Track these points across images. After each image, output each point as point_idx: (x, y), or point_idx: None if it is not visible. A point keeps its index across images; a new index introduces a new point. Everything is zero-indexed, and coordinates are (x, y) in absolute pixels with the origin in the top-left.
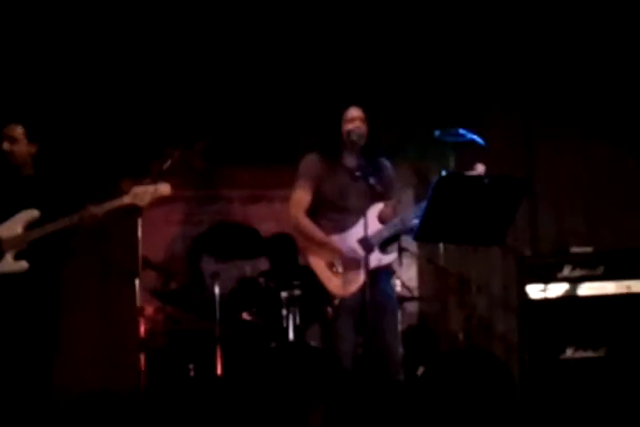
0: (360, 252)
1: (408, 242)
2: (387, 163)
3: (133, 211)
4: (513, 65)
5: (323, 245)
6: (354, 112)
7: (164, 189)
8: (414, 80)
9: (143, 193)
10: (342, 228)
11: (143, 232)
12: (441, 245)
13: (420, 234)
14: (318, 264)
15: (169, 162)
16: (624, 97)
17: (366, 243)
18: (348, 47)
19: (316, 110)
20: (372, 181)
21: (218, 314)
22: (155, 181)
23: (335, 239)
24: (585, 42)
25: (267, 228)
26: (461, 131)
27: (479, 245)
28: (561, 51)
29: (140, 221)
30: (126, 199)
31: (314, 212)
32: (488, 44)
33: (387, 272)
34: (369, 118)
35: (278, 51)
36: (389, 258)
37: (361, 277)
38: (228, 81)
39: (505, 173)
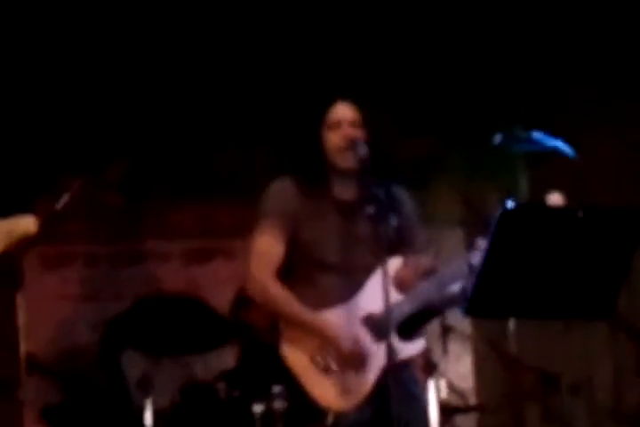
0: (366, 339)
1: (456, 318)
2: (402, 193)
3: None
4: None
5: (304, 329)
6: (340, 112)
7: (25, 225)
8: (453, 55)
9: None
10: (336, 299)
11: (26, 315)
12: (511, 323)
13: (474, 305)
14: (298, 359)
15: (66, 198)
16: None
17: (376, 324)
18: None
19: (289, 114)
20: (394, 221)
21: None
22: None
23: (326, 318)
24: None
25: (226, 300)
26: (538, 135)
27: (573, 320)
28: None
29: (19, 298)
30: None
31: (289, 272)
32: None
33: (406, 366)
34: (370, 120)
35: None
36: (414, 348)
37: (368, 381)
38: (157, 77)
39: (612, 202)
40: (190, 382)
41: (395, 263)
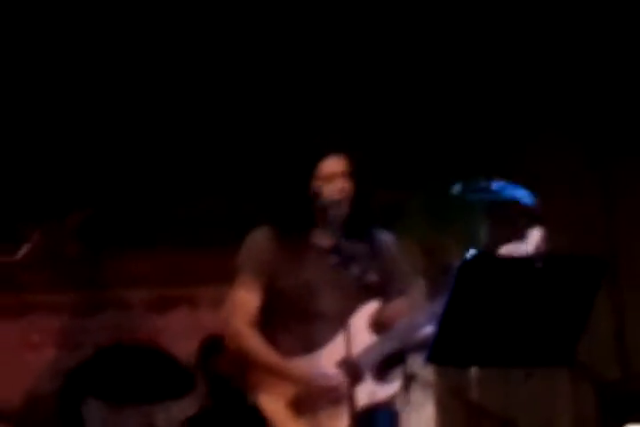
0: (340, 381)
1: (419, 366)
2: (386, 237)
3: None
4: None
5: (279, 376)
6: (334, 165)
7: None
8: (418, 107)
9: None
10: (313, 345)
11: None
12: (473, 370)
13: (436, 353)
14: (273, 406)
15: (25, 249)
16: None
17: (351, 366)
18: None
19: (265, 153)
20: (356, 269)
21: None
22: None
23: (301, 364)
24: None
25: (188, 349)
26: (497, 184)
27: (534, 368)
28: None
29: None
30: None
31: (267, 322)
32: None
33: (386, 413)
34: (356, 171)
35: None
36: (388, 390)
37: (342, 423)
38: (117, 125)
39: (571, 250)
40: None
41: (370, 307)
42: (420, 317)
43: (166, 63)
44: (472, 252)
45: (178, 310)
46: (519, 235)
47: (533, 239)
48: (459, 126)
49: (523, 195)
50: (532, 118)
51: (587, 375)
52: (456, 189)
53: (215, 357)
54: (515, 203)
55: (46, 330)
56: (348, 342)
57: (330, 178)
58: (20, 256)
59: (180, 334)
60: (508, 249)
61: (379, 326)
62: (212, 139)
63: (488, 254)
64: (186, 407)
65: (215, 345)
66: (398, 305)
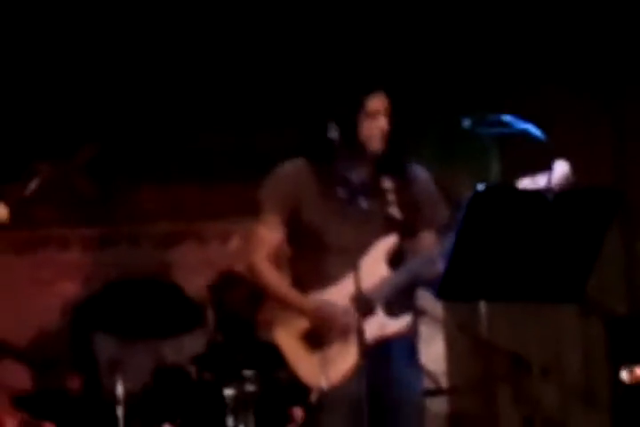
0: (351, 314)
1: (428, 301)
2: (420, 172)
3: None
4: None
5: (294, 309)
6: (378, 102)
7: None
8: (431, 43)
9: None
10: (334, 279)
11: None
12: (482, 306)
13: (445, 289)
14: (287, 339)
15: (35, 183)
16: None
17: (362, 300)
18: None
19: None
20: (365, 203)
21: None
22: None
23: (315, 298)
24: None
25: (197, 284)
26: (506, 118)
27: (544, 304)
28: None
29: None
30: None
31: (287, 255)
32: None
33: (403, 345)
34: (394, 107)
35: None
36: (399, 323)
37: (351, 357)
38: (128, 60)
39: (584, 183)
40: (161, 366)
41: (389, 241)
42: (435, 251)
43: None
44: (482, 185)
45: (187, 245)
46: (539, 168)
47: (558, 173)
48: (471, 61)
49: (533, 128)
50: (544, 60)
51: (596, 311)
52: (466, 122)
53: (226, 292)
54: (526, 136)
55: (57, 265)
56: (357, 277)
57: (374, 114)
58: (30, 191)
59: (188, 269)
60: (525, 183)
61: (395, 260)
62: (227, 71)
63: (498, 187)
64: (195, 342)
65: (227, 281)
66: (425, 240)
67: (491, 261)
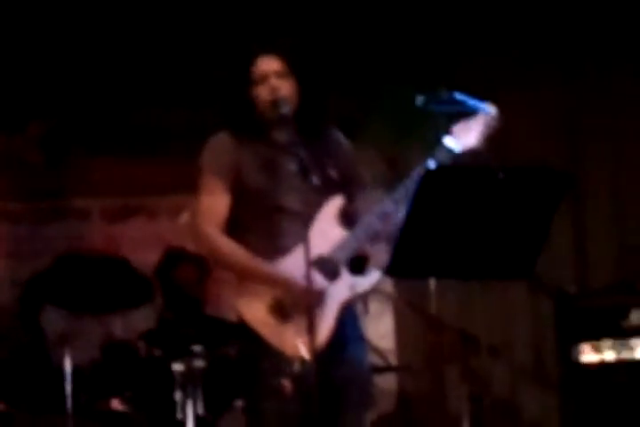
0: (319, 280)
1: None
2: (340, 137)
3: None
4: None
5: (259, 280)
6: (264, 66)
7: None
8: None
9: None
10: (289, 244)
11: None
12: (431, 283)
13: (395, 265)
14: (255, 312)
15: None
16: None
17: (325, 264)
18: None
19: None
20: (315, 177)
21: (70, 403)
22: None
23: (279, 266)
24: None
25: (147, 259)
26: (459, 95)
27: (493, 281)
28: None
29: None
30: None
31: (235, 225)
32: None
33: (348, 322)
34: (298, 68)
35: None
36: (367, 281)
37: (328, 321)
38: (78, 35)
39: (533, 163)
40: (110, 341)
41: (336, 202)
42: (387, 205)
43: None
44: (433, 162)
45: (136, 220)
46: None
47: (485, 116)
48: (422, 37)
49: (485, 107)
50: (496, 31)
51: (545, 289)
52: (419, 100)
53: (175, 268)
54: (477, 113)
55: (6, 239)
56: (307, 243)
57: (263, 78)
58: None
59: (138, 244)
60: (459, 128)
61: (347, 220)
62: (170, 47)
63: (451, 165)
64: (144, 318)
65: (175, 256)
66: (366, 200)
67: (441, 238)
